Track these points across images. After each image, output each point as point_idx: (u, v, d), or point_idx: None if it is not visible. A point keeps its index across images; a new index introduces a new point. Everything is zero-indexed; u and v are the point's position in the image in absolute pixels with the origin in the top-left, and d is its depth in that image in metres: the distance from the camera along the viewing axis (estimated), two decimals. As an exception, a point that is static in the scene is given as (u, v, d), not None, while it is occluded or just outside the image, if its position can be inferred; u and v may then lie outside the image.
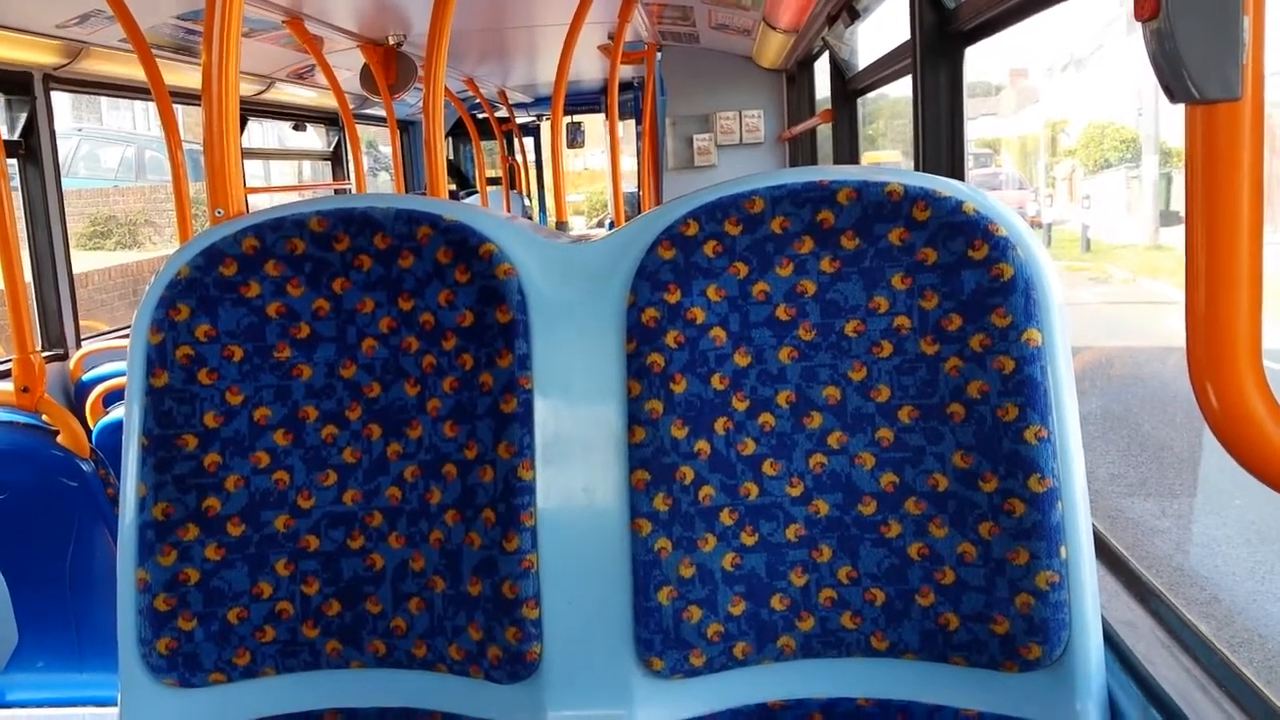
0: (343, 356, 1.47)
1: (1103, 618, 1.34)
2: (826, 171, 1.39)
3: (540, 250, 1.45)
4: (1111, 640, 1.38)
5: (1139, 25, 0.85)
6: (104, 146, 14.24)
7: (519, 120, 9.53)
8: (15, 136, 3.95)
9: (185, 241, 1.53)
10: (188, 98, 4.70)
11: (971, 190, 1.36)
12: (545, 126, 10.21)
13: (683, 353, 1.39)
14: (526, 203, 9.81)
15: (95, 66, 4.09)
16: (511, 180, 9.60)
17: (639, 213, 7.07)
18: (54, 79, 4.04)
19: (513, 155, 9.70)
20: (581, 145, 10.08)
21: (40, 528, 2.66)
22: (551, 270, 1.44)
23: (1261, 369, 0.88)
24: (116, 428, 3.02)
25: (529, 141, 10.03)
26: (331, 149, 7.14)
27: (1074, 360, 1.35)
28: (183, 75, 4.51)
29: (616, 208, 5.34)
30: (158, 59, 3.61)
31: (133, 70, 3.83)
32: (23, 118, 3.97)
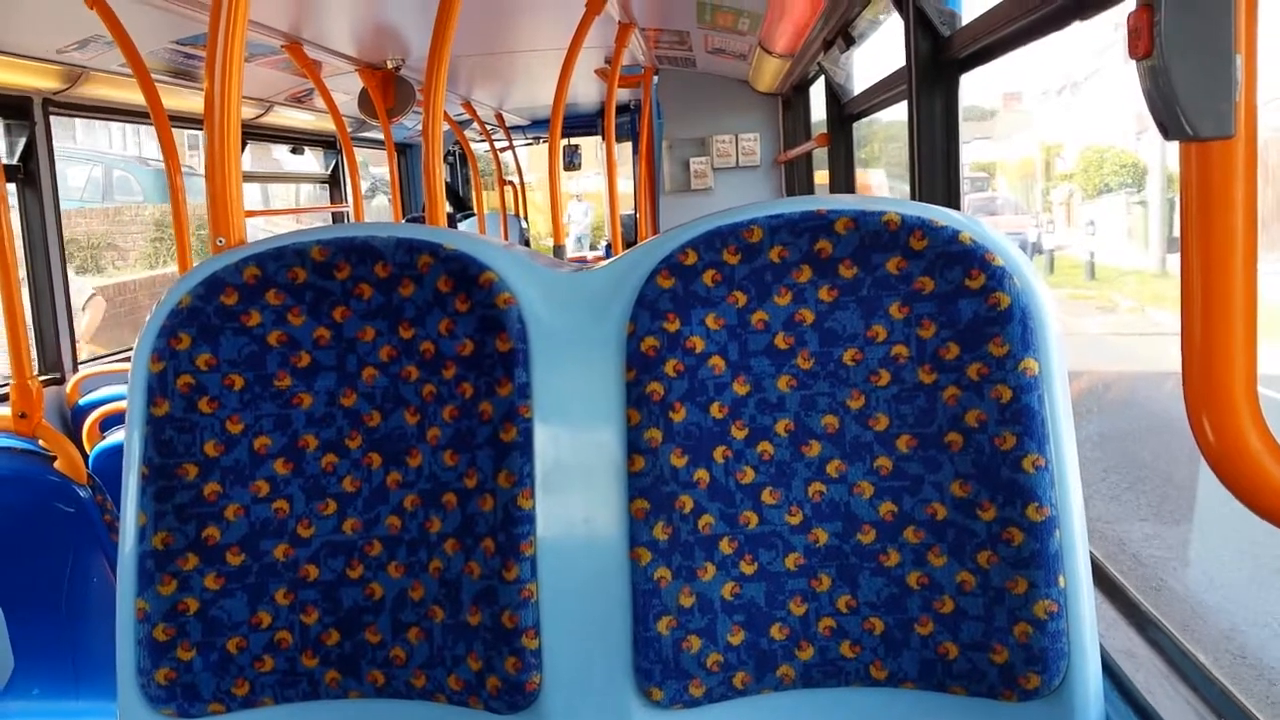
0: (343, 385, 1.47)
1: (1101, 647, 1.34)
2: (824, 201, 1.40)
3: (540, 279, 1.45)
4: (1110, 669, 1.38)
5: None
6: (71, 166, 14.02)
7: (501, 143, 9.54)
8: (14, 161, 3.96)
9: (184, 268, 1.53)
10: (186, 122, 4.71)
11: (968, 219, 1.37)
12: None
13: (682, 381, 1.39)
14: (524, 225, 9.83)
15: (94, 91, 4.11)
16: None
17: (635, 235, 7.08)
18: (53, 104, 4.05)
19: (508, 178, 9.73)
20: (578, 168, 10.10)
21: (37, 553, 2.65)
22: (551, 299, 1.44)
23: (1257, 403, 0.88)
24: (113, 453, 3.02)
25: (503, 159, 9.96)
26: (329, 172, 7.16)
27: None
28: (182, 99, 4.53)
29: (614, 231, 5.35)
30: (156, 83, 3.62)
31: (132, 95, 3.84)
32: (21, 142, 3.98)
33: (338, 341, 1.47)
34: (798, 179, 6.06)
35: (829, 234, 1.37)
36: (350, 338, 1.47)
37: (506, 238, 8.63)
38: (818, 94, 5.31)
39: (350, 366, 1.47)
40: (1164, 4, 0.81)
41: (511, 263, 1.46)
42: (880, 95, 3.52)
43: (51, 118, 4.06)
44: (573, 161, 9.60)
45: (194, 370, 1.43)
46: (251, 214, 6.09)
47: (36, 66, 3.75)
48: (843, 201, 1.39)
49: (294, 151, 6.78)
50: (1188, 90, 0.82)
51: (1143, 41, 0.82)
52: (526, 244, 9.72)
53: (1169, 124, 0.83)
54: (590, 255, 10.83)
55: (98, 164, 14.22)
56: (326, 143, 6.97)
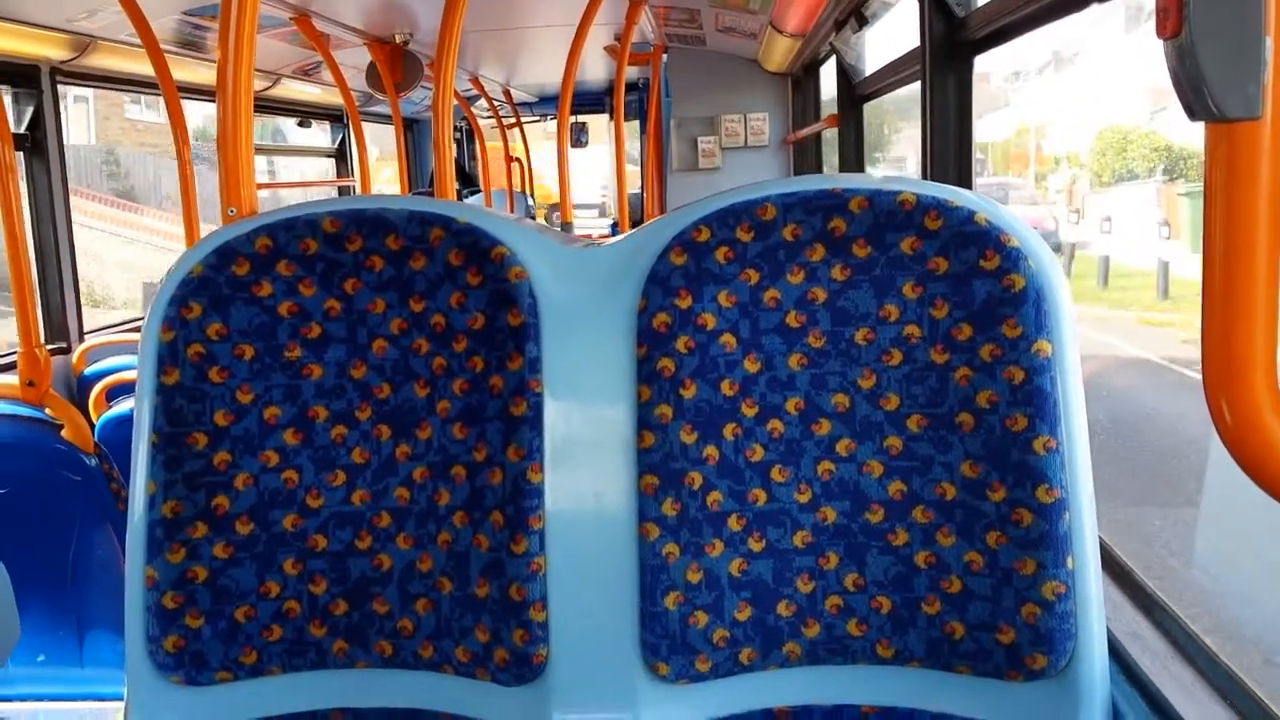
0: (353, 357, 1.47)
1: (1108, 629, 1.35)
2: (839, 179, 1.39)
3: (552, 254, 1.45)
4: (1116, 651, 1.38)
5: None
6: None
7: (508, 119, 9.48)
8: (22, 130, 3.95)
9: (192, 239, 1.53)
10: (194, 93, 4.70)
11: (983, 200, 1.37)
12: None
13: (693, 358, 1.39)
14: (530, 203, 9.80)
15: (102, 61, 4.10)
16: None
17: (642, 214, 7.05)
18: (61, 72, 4.04)
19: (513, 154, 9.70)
20: (585, 145, 10.05)
21: (43, 522, 2.66)
22: (563, 274, 1.44)
23: (1276, 387, 0.88)
24: (120, 422, 3.03)
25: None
26: (336, 146, 7.15)
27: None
28: (190, 70, 4.51)
29: (621, 209, 5.34)
30: (165, 54, 3.61)
31: (139, 65, 3.83)
32: (29, 111, 3.97)
33: (348, 313, 1.47)
34: (806, 160, 6.04)
35: (843, 213, 1.37)
36: (361, 309, 1.47)
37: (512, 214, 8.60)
38: (828, 74, 5.29)
39: (361, 338, 1.47)
40: None
41: (523, 237, 1.45)
42: (893, 76, 3.50)
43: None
44: (580, 139, 9.56)
45: (204, 339, 1.43)
46: (260, 187, 6.09)
47: (45, 35, 3.73)
48: (857, 180, 1.39)
49: (301, 125, 6.76)
50: (1215, 70, 0.81)
51: (1171, 20, 0.81)
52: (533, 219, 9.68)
53: (1195, 104, 0.83)
54: (596, 233, 10.83)
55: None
56: (334, 116, 6.96)
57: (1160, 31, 0.83)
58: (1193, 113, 0.84)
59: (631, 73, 7.13)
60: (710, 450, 1.39)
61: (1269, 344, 0.87)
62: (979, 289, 1.34)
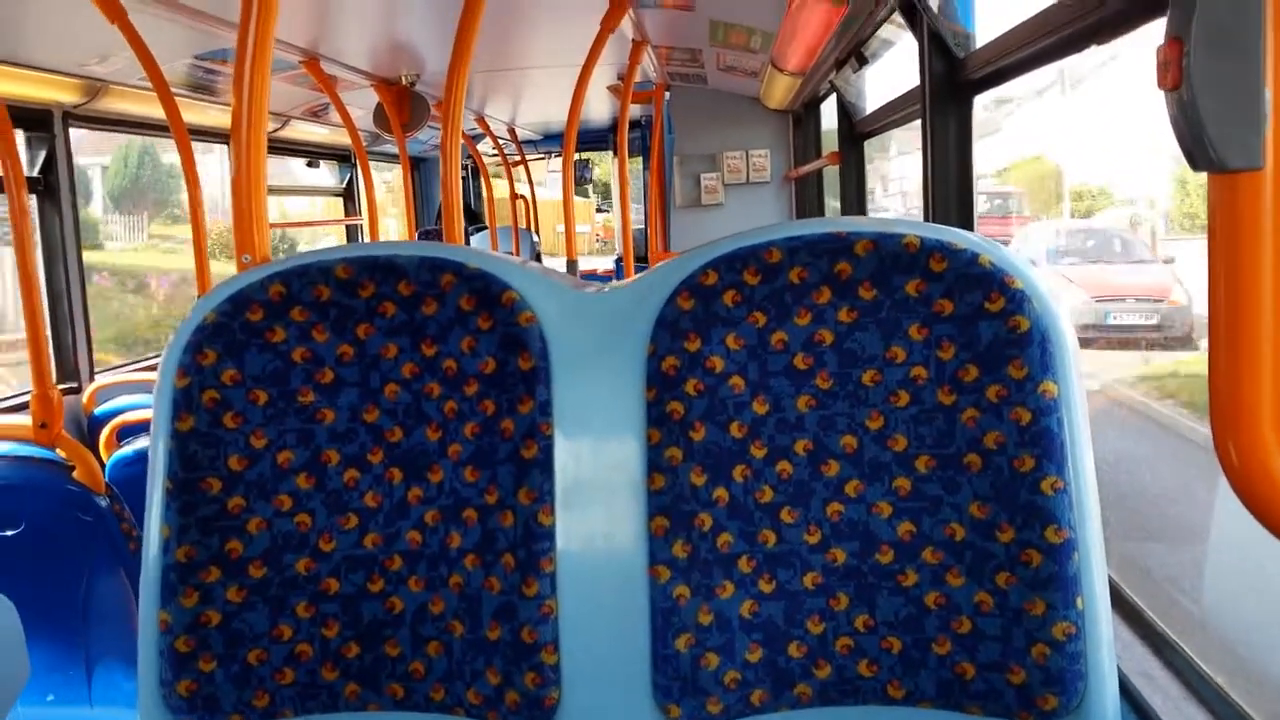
0: (365, 401, 1.48)
1: (1119, 669, 1.35)
2: (844, 223, 1.41)
3: (561, 298, 1.47)
4: (1127, 691, 1.38)
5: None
6: None
7: (513, 157, 9.55)
8: (35, 173, 3.99)
9: (204, 286, 1.55)
10: (205, 136, 4.76)
11: (987, 242, 1.39)
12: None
13: (702, 400, 1.40)
14: (535, 240, 9.85)
15: (113, 104, 4.15)
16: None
17: (646, 250, 7.07)
18: (73, 116, 4.09)
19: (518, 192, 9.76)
20: (590, 182, 10.11)
21: (54, 562, 2.66)
22: (572, 318, 1.46)
23: None
24: (130, 462, 3.04)
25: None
26: (344, 185, 7.21)
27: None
28: (201, 114, 4.57)
29: (625, 245, 5.38)
30: (176, 97, 3.65)
31: (150, 108, 3.88)
32: (42, 154, 4.02)
33: (361, 358, 1.48)
34: (808, 195, 6.08)
35: (848, 255, 1.39)
36: (373, 354, 1.48)
37: (518, 252, 8.66)
38: (828, 110, 5.34)
39: (373, 383, 1.48)
40: (1193, 36, 0.82)
41: (533, 282, 1.47)
42: (893, 114, 3.54)
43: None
44: (584, 177, 9.61)
45: (219, 385, 1.45)
46: (272, 226, 6.13)
47: (57, 80, 3.78)
48: (862, 223, 1.41)
49: (310, 165, 6.83)
50: (1216, 122, 0.83)
51: (1172, 72, 0.83)
52: (538, 258, 9.75)
53: (1197, 154, 0.85)
54: (600, 269, 10.85)
55: None
56: (341, 156, 7.02)
57: (1161, 83, 0.84)
58: (1195, 163, 0.86)
59: (634, 110, 7.19)
60: (720, 492, 1.40)
61: (1276, 388, 0.88)
62: (984, 331, 1.35)
